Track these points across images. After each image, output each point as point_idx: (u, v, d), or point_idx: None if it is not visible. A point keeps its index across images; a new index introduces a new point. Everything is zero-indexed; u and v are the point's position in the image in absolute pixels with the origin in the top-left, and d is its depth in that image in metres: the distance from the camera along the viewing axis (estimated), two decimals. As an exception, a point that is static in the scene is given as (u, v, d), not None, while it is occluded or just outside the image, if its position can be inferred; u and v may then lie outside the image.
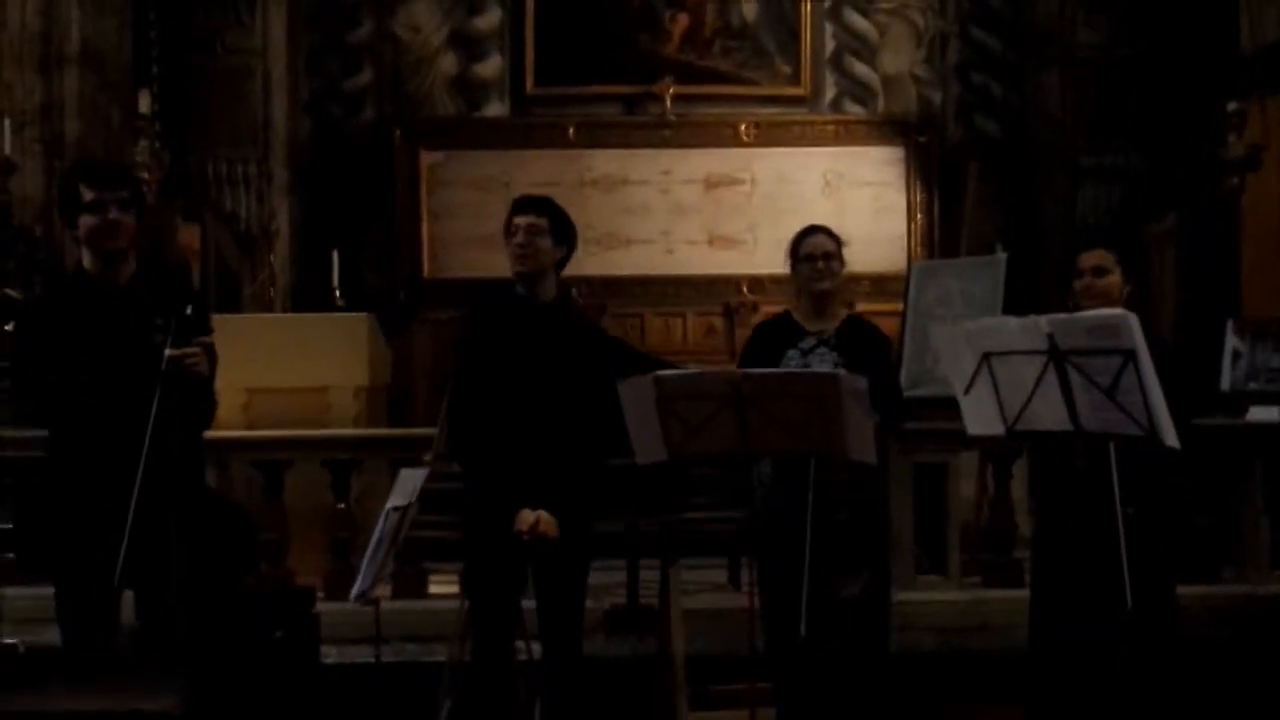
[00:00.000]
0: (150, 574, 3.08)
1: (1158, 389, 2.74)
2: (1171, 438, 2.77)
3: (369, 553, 2.97)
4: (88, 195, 3.17)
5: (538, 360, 3.61)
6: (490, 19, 10.29)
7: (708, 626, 5.19)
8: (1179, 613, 3.79)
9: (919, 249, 10.18)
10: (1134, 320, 2.77)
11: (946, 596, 5.32)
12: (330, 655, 4.68)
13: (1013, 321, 2.98)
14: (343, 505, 5.42)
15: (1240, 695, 4.60)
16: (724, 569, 5.91)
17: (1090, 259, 3.64)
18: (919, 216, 10.22)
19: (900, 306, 9.28)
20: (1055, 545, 3.70)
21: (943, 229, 10.21)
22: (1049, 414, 2.93)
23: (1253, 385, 6.02)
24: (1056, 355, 2.86)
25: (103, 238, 3.18)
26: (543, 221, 3.69)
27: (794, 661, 3.82)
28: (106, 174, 3.27)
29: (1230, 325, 6.30)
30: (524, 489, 3.57)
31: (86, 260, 3.24)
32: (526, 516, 3.52)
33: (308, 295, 9.67)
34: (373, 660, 4.22)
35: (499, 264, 10.67)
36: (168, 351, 3.06)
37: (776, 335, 3.95)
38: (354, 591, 2.92)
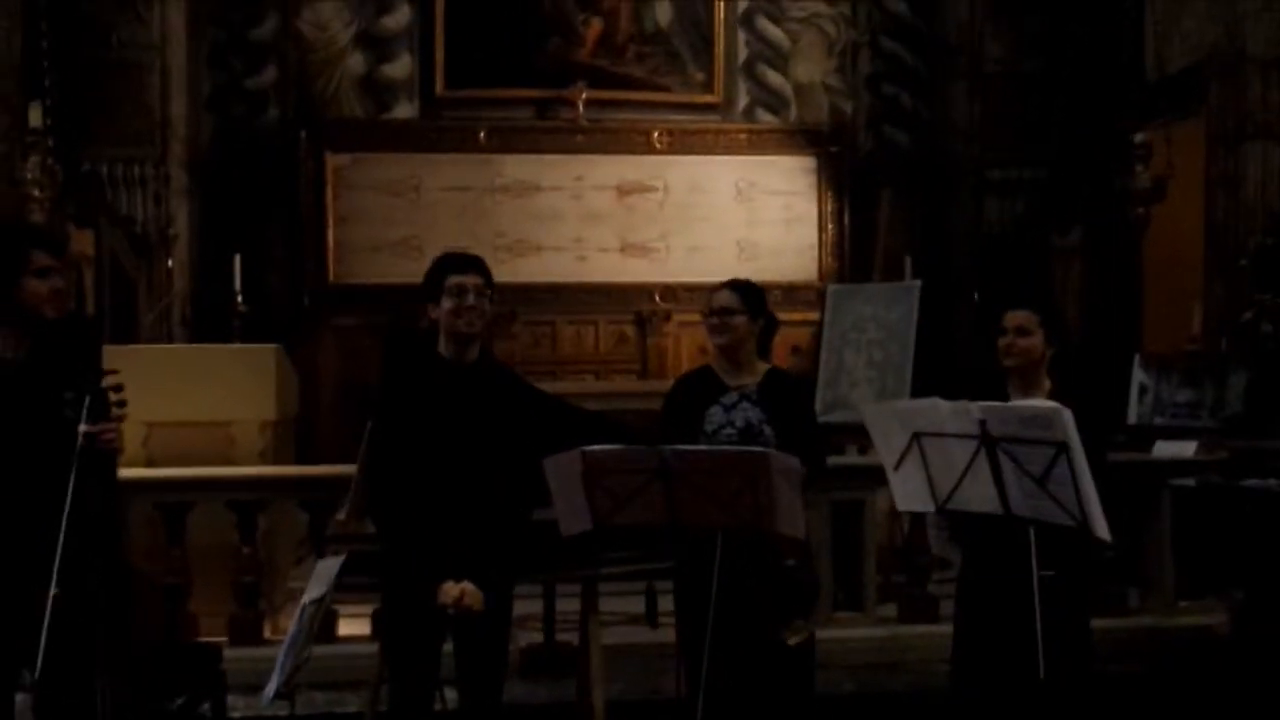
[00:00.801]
0: (63, 658, 2.93)
1: (1090, 481, 2.75)
2: (1103, 530, 2.78)
3: (284, 648, 2.85)
4: (41, 260, 3.05)
5: (461, 424, 3.51)
6: (399, 18, 10.08)
7: (627, 666, 5.16)
8: (1093, 654, 3.84)
9: (830, 259, 10.26)
10: (1068, 414, 2.77)
11: (863, 634, 5.34)
12: (237, 709, 4.54)
13: (944, 404, 2.96)
14: (249, 549, 5.25)
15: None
16: (640, 594, 5.87)
17: (1015, 319, 3.63)
18: (830, 226, 10.28)
19: (811, 316, 9.41)
20: (976, 604, 3.71)
21: (853, 239, 10.29)
22: (979, 496, 2.93)
23: (1159, 420, 6.14)
24: (988, 441, 2.85)
25: (48, 305, 3.06)
26: (481, 281, 3.59)
27: (719, 712, 3.77)
28: (56, 242, 3.16)
29: (1137, 359, 6.41)
30: (446, 556, 3.47)
31: None
32: (451, 590, 3.42)
33: (209, 302, 9.40)
34: (285, 715, 4.11)
35: (406, 270, 10.54)
36: (82, 428, 2.91)
37: (698, 390, 3.89)
38: (269, 691, 2.78)
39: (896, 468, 3.08)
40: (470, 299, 3.53)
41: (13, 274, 3.06)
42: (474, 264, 3.63)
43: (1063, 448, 2.73)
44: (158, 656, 3.61)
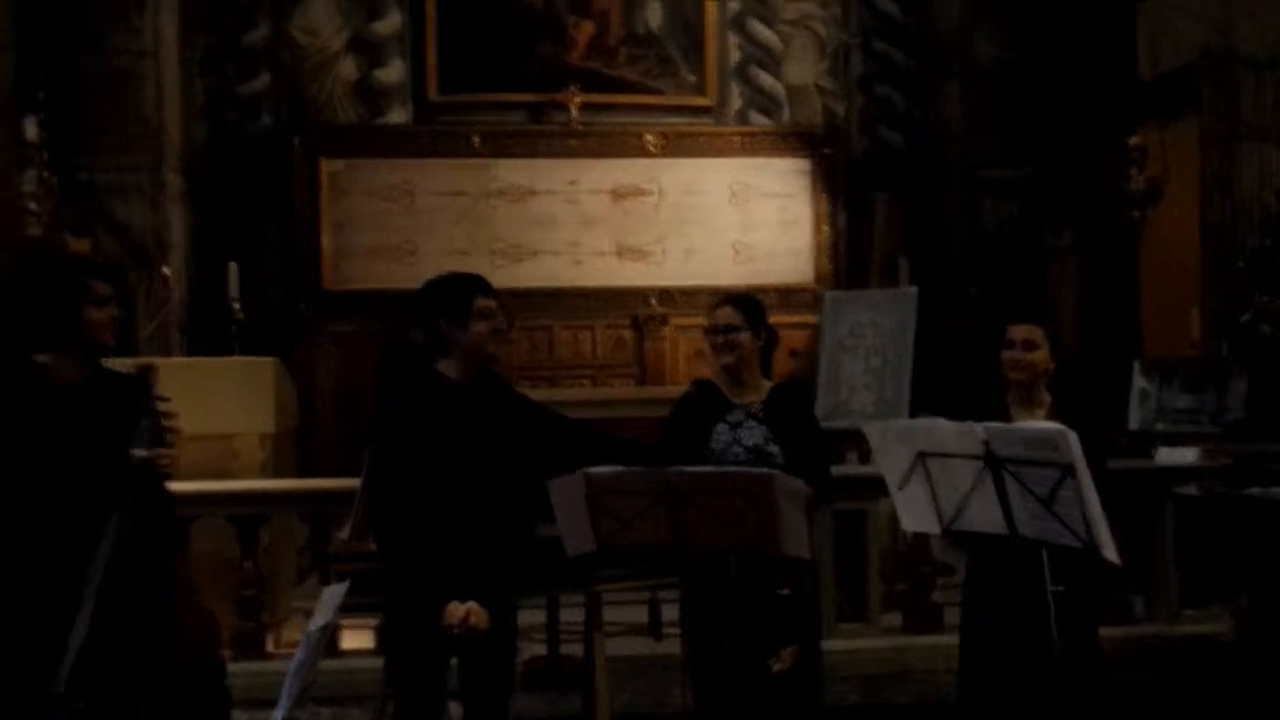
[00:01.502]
0: (99, 682, 2.98)
1: (1097, 503, 2.75)
2: (1111, 553, 2.79)
3: (291, 675, 2.86)
4: (101, 289, 3.15)
5: (464, 443, 3.53)
6: (391, 23, 10.04)
7: (631, 677, 5.17)
8: (1104, 667, 3.85)
9: (825, 261, 10.25)
10: (1073, 436, 2.77)
11: (868, 645, 5.34)
12: (241, 724, 4.53)
13: (948, 425, 2.96)
14: (250, 563, 5.25)
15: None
16: (643, 604, 5.87)
17: (1021, 332, 3.64)
18: (824, 228, 10.27)
19: (808, 319, 9.42)
20: (983, 617, 3.72)
21: (848, 241, 10.28)
22: (985, 517, 2.93)
23: (1160, 426, 6.14)
24: (993, 462, 2.85)
25: (107, 333, 3.17)
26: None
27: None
28: (112, 271, 3.30)
29: (1137, 365, 6.41)
30: (451, 575, 3.48)
31: (51, 356, 3.16)
32: (456, 610, 3.44)
33: (205, 309, 9.37)
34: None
35: (402, 275, 10.45)
36: (137, 453, 2.98)
37: (702, 408, 3.87)
38: (277, 717, 2.81)
39: (901, 488, 3.08)
40: (500, 320, 3.59)
41: (75, 303, 3.14)
42: (490, 285, 3.67)
43: (1069, 470, 2.73)
44: (203, 676, 3.67)
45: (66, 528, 3.02)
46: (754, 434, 3.77)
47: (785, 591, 3.50)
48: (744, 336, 3.80)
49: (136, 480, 2.98)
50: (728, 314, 3.83)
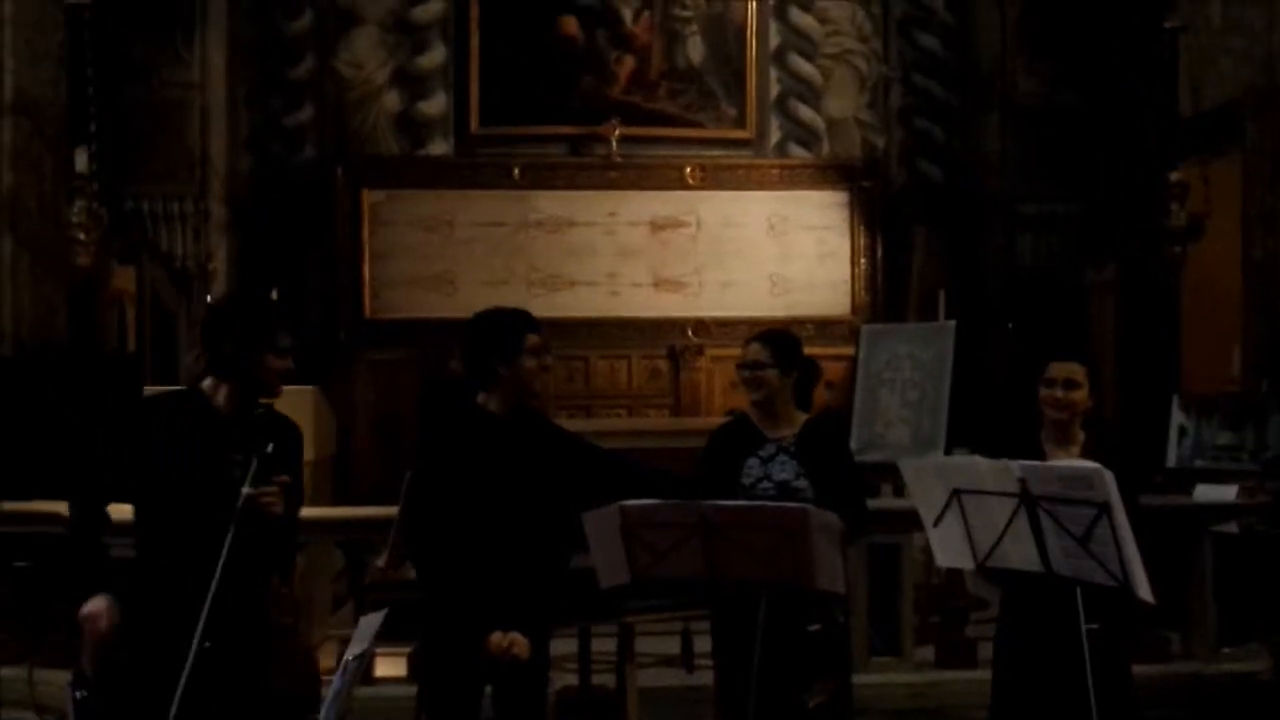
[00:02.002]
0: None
1: (1132, 542, 2.74)
2: (1145, 592, 2.77)
3: (328, 702, 2.90)
4: (285, 342, 3.34)
5: (503, 474, 3.56)
6: (434, 57, 10.19)
7: (662, 708, 5.15)
8: (1139, 705, 3.80)
9: (862, 293, 10.25)
10: (1109, 475, 2.77)
11: (900, 679, 5.32)
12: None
13: (983, 462, 2.97)
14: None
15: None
16: (675, 635, 5.87)
17: (1062, 370, 3.60)
18: (862, 261, 10.28)
19: (844, 351, 9.41)
20: (1016, 655, 3.69)
21: (886, 273, 10.28)
22: (1020, 554, 2.93)
23: (1199, 463, 6.08)
24: (1028, 500, 2.85)
25: (279, 382, 3.33)
26: None
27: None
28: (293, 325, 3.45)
29: (1176, 401, 6.36)
30: (490, 605, 3.51)
31: (213, 385, 3.31)
32: (499, 640, 3.46)
33: (246, 337, 9.47)
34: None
35: (441, 305, 10.45)
36: (245, 490, 3.08)
37: (735, 442, 3.90)
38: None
39: (936, 524, 3.08)
40: (547, 359, 3.63)
41: (260, 349, 3.29)
42: (537, 322, 3.71)
43: (1104, 508, 2.73)
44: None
45: (192, 547, 3.14)
46: (785, 469, 3.79)
47: (815, 628, 3.50)
48: (770, 374, 3.82)
49: (241, 515, 3.07)
50: (755, 351, 3.86)
